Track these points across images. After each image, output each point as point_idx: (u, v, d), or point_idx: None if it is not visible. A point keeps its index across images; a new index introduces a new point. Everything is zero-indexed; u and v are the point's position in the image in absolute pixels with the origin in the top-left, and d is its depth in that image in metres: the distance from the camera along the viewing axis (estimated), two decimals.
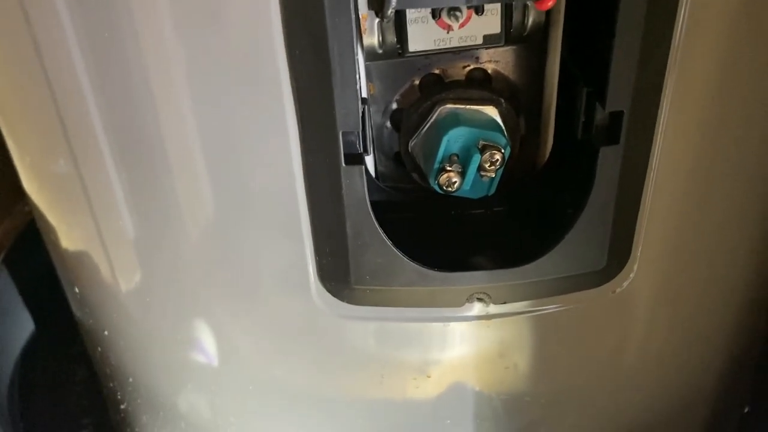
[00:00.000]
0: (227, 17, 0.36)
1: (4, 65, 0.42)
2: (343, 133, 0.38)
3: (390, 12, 0.33)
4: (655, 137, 0.40)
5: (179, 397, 0.58)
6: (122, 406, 0.63)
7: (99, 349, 0.60)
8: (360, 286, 0.44)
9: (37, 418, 0.76)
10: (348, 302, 0.45)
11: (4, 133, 0.48)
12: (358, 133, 0.39)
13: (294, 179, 0.40)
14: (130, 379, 0.59)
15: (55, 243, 0.53)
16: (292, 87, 0.37)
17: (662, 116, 0.40)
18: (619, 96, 0.38)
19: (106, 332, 0.57)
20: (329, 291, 0.45)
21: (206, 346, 0.52)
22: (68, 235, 0.52)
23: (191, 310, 0.50)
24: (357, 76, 0.37)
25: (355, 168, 0.40)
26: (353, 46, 0.36)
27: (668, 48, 0.38)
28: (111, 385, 0.62)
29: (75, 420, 0.76)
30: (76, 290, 0.56)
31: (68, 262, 0.54)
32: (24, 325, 0.79)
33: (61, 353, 0.79)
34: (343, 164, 0.39)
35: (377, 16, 0.39)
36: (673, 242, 0.47)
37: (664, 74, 0.38)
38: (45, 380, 0.79)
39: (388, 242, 0.42)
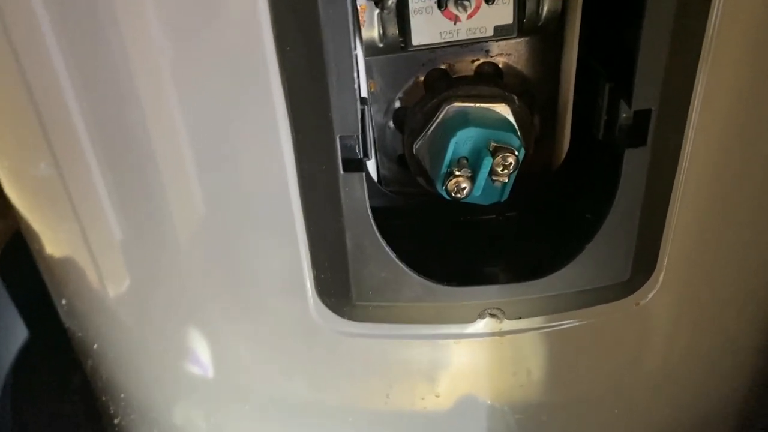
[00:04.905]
0: (210, 9, 0.33)
1: None
2: (340, 138, 0.35)
3: (391, 2, 0.29)
4: (684, 137, 0.37)
5: (173, 412, 0.56)
6: (116, 421, 0.60)
7: (90, 362, 0.57)
8: (362, 302, 0.41)
9: (31, 429, 0.73)
10: (349, 319, 0.42)
11: None
12: (357, 136, 0.36)
13: (287, 187, 0.38)
14: (122, 395, 0.56)
15: (40, 251, 0.50)
16: (283, 86, 0.34)
17: (693, 114, 0.36)
18: (646, 93, 0.35)
19: (95, 345, 0.54)
20: (329, 307, 0.42)
21: (200, 359, 0.49)
22: (53, 242, 0.49)
23: (183, 322, 0.47)
24: (355, 74, 0.34)
25: (355, 175, 0.37)
26: (350, 39, 0.32)
27: (701, 39, 0.34)
28: (104, 398, 0.60)
29: (71, 430, 0.74)
30: (64, 302, 0.54)
31: (54, 270, 0.51)
32: (17, 332, 0.77)
33: (55, 360, 0.77)
34: (342, 171, 0.36)
35: (377, 6, 0.36)
36: (700, 250, 0.43)
37: (696, 68, 0.35)
38: (39, 389, 0.77)
39: (392, 255, 0.39)
